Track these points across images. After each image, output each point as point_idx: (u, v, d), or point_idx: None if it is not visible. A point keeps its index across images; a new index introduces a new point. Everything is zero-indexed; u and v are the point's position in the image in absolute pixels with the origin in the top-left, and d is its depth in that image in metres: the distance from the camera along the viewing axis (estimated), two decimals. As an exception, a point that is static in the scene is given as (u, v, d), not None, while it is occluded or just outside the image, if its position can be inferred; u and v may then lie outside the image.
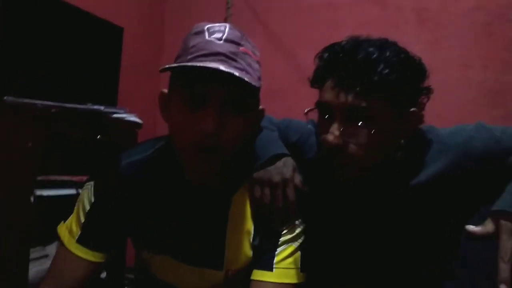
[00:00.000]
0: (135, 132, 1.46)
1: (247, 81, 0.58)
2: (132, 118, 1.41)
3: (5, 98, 1.02)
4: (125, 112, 1.38)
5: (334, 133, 0.66)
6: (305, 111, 0.74)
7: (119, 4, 1.85)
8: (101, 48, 1.54)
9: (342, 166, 0.69)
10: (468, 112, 1.50)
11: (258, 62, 0.66)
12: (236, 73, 0.57)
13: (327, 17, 1.79)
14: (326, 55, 0.71)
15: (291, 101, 1.75)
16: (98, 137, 1.26)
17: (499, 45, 1.49)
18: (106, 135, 1.29)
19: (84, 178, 1.25)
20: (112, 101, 1.55)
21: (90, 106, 1.24)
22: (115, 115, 1.33)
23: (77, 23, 1.41)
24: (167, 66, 0.59)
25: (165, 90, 0.69)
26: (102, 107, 1.26)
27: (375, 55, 0.65)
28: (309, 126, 0.83)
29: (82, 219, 0.71)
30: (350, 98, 0.65)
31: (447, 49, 1.56)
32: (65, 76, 1.37)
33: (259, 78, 0.66)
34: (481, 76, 1.52)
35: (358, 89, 0.64)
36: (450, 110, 1.48)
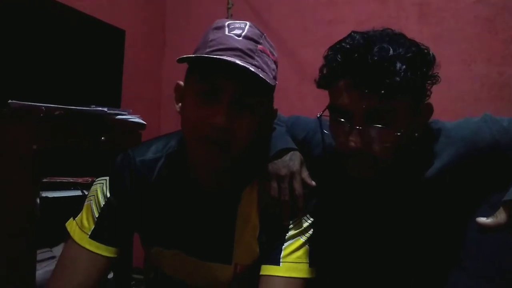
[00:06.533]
0: (139, 133, 1.47)
1: (261, 77, 0.58)
2: (136, 119, 1.41)
3: (9, 102, 1.03)
4: (128, 114, 1.39)
5: (355, 139, 0.64)
6: (318, 115, 0.72)
7: (120, 7, 1.86)
8: (104, 51, 1.55)
9: (363, 168, 0.68)
10: (471, 106, 1.49)
11: (275, 62, 0.66)
12: (252, 69, 0.57)
13: (327, 14, 1.79)
14: (337, 55, 0.67)
15: (293, 99, 1.75)
16: (102, 138, 1.27)
17: (501, 38, 1.48)
18: (110, 137, 1.29)
19: (89, 179, 1.28)
20: (115, 103, 1.56)
21: (93, 108, 1.24)
22: (118, 117, 1.34)
23: (80, 26, 1.43)
24: (184, 56, 0.59)
25: (181, 82, 0.69)
26: (105, 109, 1.26)
27: (390, 53, 0.62)
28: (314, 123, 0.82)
29: (96, 214, 0.71)
30: (373, 101, 0.62)
31: (449, 43, 1.55)
32: (68, 79, 1.38)
33: (275, 78, 0.65)
34: (484, 70, 1.51)
35: (382, 92, 0.61)
36: (454, 104, 1.48)
